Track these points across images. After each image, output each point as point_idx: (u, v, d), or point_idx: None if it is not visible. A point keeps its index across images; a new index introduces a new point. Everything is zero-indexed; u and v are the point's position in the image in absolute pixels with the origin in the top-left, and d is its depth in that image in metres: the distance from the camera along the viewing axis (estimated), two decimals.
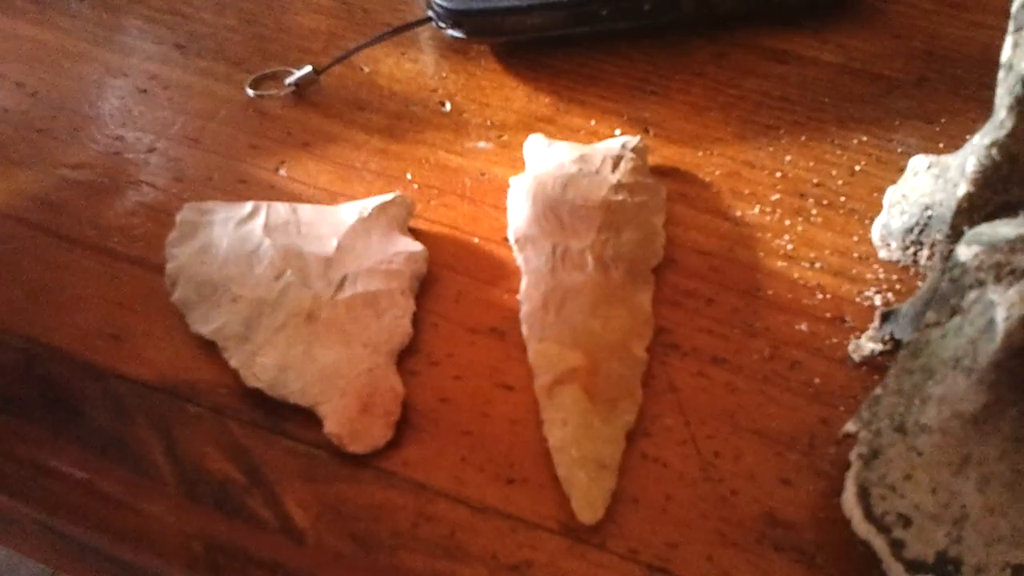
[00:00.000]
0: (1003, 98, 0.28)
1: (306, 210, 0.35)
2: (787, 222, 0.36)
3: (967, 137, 0.37)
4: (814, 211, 0.37)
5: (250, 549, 0.28)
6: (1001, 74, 0.28)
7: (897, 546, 0.25)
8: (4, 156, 0.38)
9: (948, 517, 0.25)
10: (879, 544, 0.25)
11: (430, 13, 0.42)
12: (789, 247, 0.36)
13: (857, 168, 0.38)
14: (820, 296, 0.34)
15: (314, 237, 0.34)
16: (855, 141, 0.39)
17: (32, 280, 0.34)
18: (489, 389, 0.32)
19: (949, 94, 0.41)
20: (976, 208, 0.30)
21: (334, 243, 0.34)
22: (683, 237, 0.36)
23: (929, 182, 0.32)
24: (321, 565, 0.28)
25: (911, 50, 0.43)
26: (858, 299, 0.34)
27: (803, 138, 0.39)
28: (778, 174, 0.38)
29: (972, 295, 0.27)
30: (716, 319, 0.34)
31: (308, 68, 0.41)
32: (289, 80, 0.41)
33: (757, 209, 0.37)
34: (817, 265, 0.35)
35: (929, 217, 0.32)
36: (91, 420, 0.30)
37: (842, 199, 0.37)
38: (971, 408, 0.26)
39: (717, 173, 0.38)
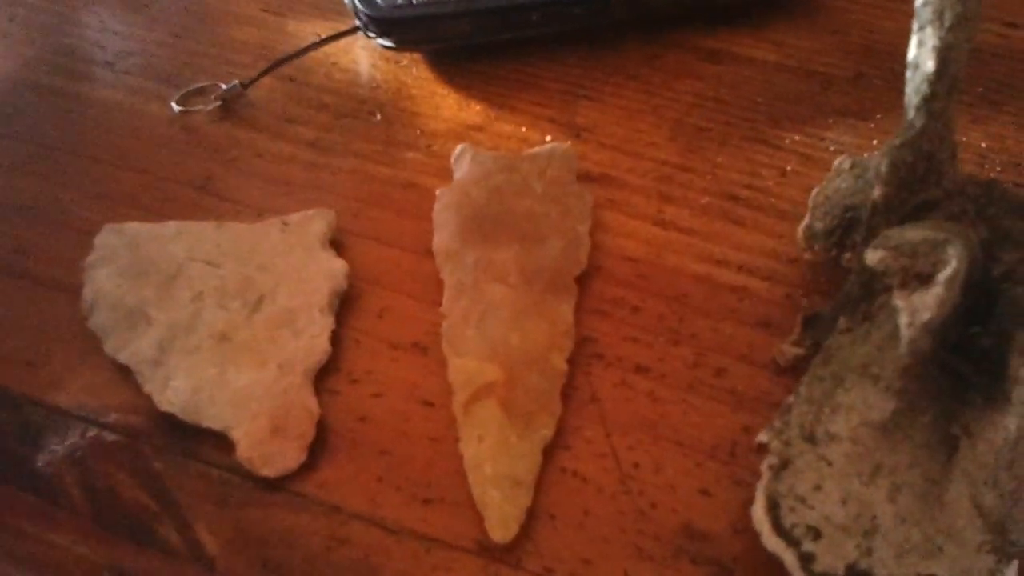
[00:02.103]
0: (911, 97, 0.28)
1: (227, 228, 0.35)
2: (716, 225, 0.36)
3: None
4: (744, 213, 0.36)
5: None
6: (908, 73, 0.28)
7: (807, 559, 0.25)
8: None
9: (858, 528, 0.25)
10: (788, 558, 0.25)
11: (358, 23, 0.41)
12: (717, 250, 0.35)
13: (788, 168, 0.38)
14: (747, 300, 0.34)
15: (234, 256, 0.34)
16: (787, 141, 0.39)
17: None
18: (409, 407, 0.31)
19: (885, 89, 0.41)
20: (892, 209, 0.29)
21: (254, 260, 0.33)
22: (611, 244, 0.36)
23: (851, 183, 0.32)
24: None
25: (848, 45, 0.42)
26: (785, 303, 0.33)
27: (735, 139, 0.39)
28: (709, 177, 0.38)
29: (880, 300, 0.26)
30: (641, 327, 0.33)
31: (235, 82, 0.40)
32: (215, 95, 0.40)
33: (687, 213, 0.36)
34: (745, 268, 0.35)
35: (850, 219, 0.31)
36: (3, 448, 0.30)
37: (772, 200, 0.37)
38: (880, 416, 0.25)
39: (647, 177, 0.38)
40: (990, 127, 0.39)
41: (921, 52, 0.27)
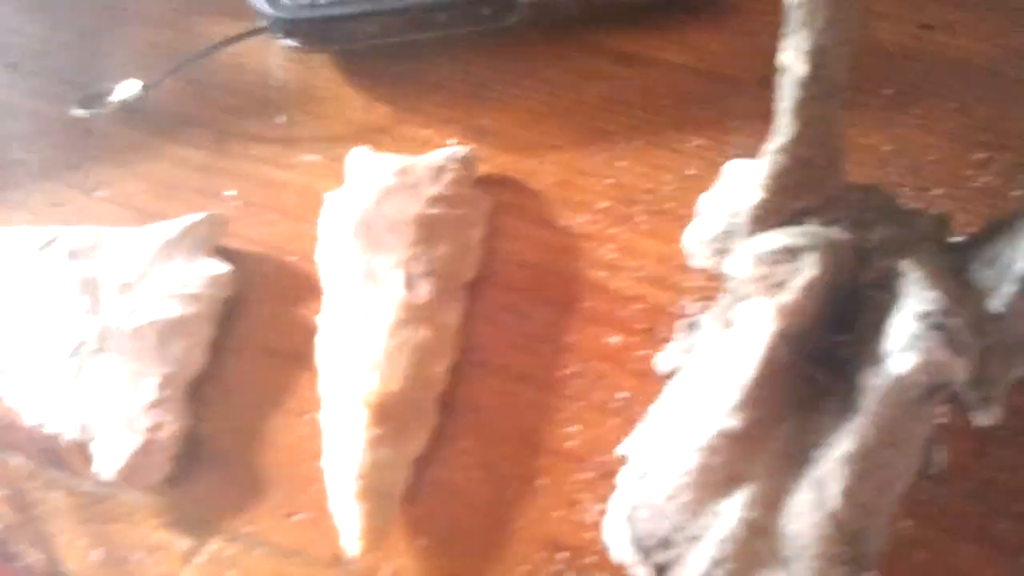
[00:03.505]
0: (782, 101, 0.27)
1: (110, 234, 0.34)
2: (613, 230, 0.36)
3: None
4: (641, 218, 0.36)
5: None
6: (781, 77, 0.27)
7: (659, 571, 0.24)
8: None
9: (712, 539, 0.24)
10: (639, 569, 0.24)
11: (264, 23, 0.40)
12: (612, 256, 0.35)
13: (689, 172, 0.37)
14: (636, 307, 0.33)
15: (114, 262, 0.33)
16: (690, 144, 0.38)
17: None
18: (282, 417, 0.31)
19: None
20: (771, 215, 0.29)
21: (134, 268, 0.33)
22: (507, 249, 0.35)
23: (736, 188, 0.31)
24: None
25: (758, 49, 0.42)
26: (673, 309, 0.33)
27: (639, 143, 0.38)
28: (610, 181, 0.37)
29: (740, 307, 0.26)
30: (529, 334, 0.33)
31: (135, 84, 0.40)
32: (116, 97, 0.40)
33: (585, 218, 0.36)
34: (638, 274, 0.34)
35: (733, 224, 0.31)
36: None
37: (670, 205, 0.36)
38: (738, 425, 0.25)
39: (549, 181, 0.37)
40: (896, 130, 0.38)
41: (792, 55, 0.26)
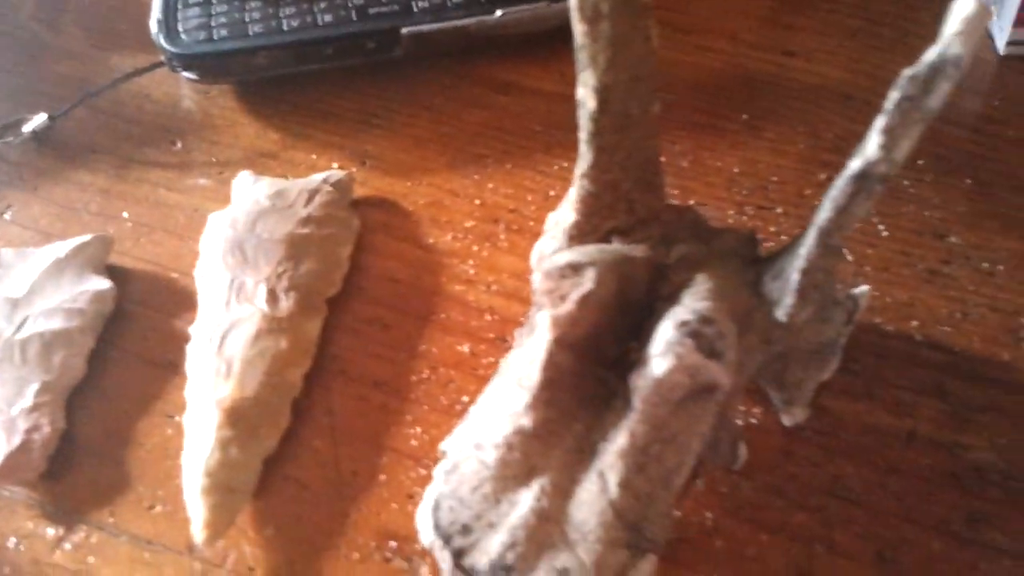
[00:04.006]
0: (581, 132, 0.30)
1: (7, 254, 0.37)
2: (475, 248, 0.38)
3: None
4: (503, 236, 0.39)
5: None
6: (579, 110, 0.30)
7: (458, 555, 0.27)
8: None
9: (507, 526, 0.27)
10: (442, 553, 0.27)
11: (163, 58, 0.44)
12: (471, 272, 0.38)
13: (552, 193, 0.40)
14: (489, 318, 0.36)
15: (10, 279, 0.36)
16: (555, 167, 0.41)
17: None
18: (151, 419, 0.34)
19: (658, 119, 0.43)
20: (585, 234, 0.31)
21: (26, 285, 0.36)
22: (375, 266, 0.38)
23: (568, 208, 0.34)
24: None
25: None
26: (523, 319, 0.36)
27: (509, 166, 0.41)
28: (477, 201, 0.40)
29: (536, 317, 0.28)
30: (388, 344, 0.35)
31: (43, 115, 0.43)
32: (27, 128, 0.43)
33: (450, 236, 0.39)
34: (493, 288, 0.37)
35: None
36: None
37: (531, 224, 0.39)
38: (530, 423, 0.27)
39: (421, 202, 0.40)
40: (747, 153, 0.41)
41: (584, 91, 0.29)
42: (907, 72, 0.24)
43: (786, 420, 0.32)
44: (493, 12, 0.44)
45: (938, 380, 0.33)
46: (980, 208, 0.38)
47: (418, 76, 0.45)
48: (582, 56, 0.29)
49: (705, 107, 0.44)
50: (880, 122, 0.25)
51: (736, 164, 0.41)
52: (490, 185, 0.41)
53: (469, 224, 0.39)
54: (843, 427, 0.32)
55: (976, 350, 0.34)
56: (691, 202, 0.40)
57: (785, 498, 0.31)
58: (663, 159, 0.41)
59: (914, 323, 0.35)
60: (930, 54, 0.24)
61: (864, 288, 0.34)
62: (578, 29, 0.28)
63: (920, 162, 0.40)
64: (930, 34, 0.45)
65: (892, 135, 0.25)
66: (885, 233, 0.38)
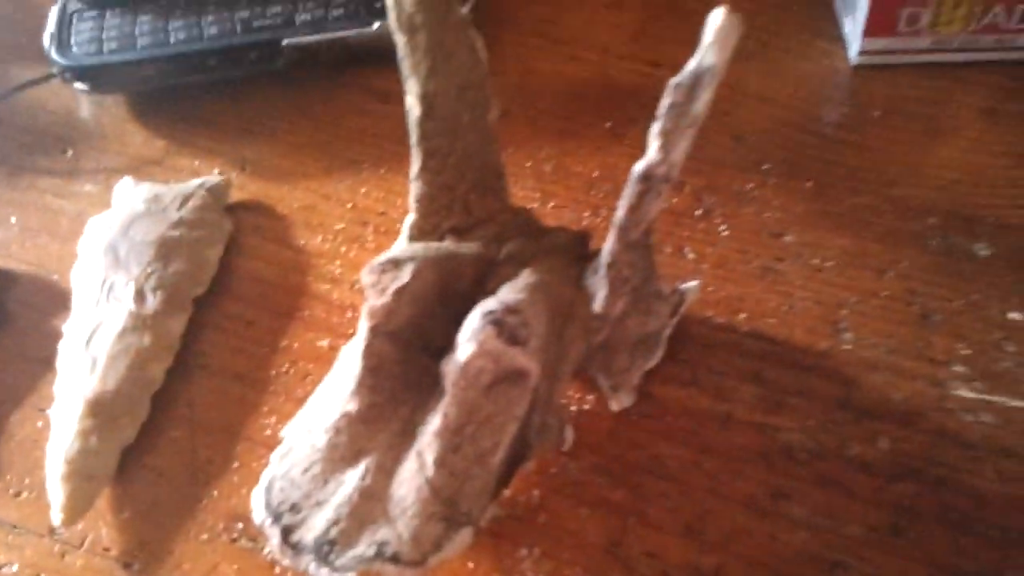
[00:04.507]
0: (411, 136, 0.32)
1: None
2: (343, 249, 0.41)
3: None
4: (371, 238, 0.41)
5: None
6: (407, 116, 0.32)
7: (286, 532, 0.29)
8: None
9: (333, 504, 0.29)
10: (271, 530, 0.29)
11: (53, 70, 0.45)
12: (338, 271, 0.40)
13: None
14: (350, 315, 0.38)
15: None
16: None
17: None
18: (24, 413, 0.36)
19: (525, 126, 0.45)
20: (426, 233, 0.34)
21: None
22: (245, 266, 0.40)
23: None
24: None
25: (503, 84, 0.47)
26: None
27: (383, 171, 0.44)
28: (349, 205, 0.42)
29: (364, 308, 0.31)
30: (251, 340, 0.38)
31: None
32: None
33: (320, 238, 0.41)
34: (357, 287, 0.39)
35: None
36: None
37: (398, 226, 0.41)
38: (355, 408, 0.30)
39: (295, 206, 0.42)
40: (607, 158, 0.44)
41: (411, 99, 0.32)
42: (673, 81, 0.27)
43: (613, 405, 0.35)
44: (371, 24, 0.46)
45: (757, 368, 0.36)
46: (817, 208, 0.41)
47: (299, 85, 0.47)
48: (405, 65, 0.31)
49: (572, 115, 0.46)
50: (655, 127, 0.28)
51: (596, 169, 0.43)
52: (363, 189, 0.43)
53: (339, 227, 0.42)
54: (666, 411, 0.35)
55: (797, 340, 0.36)
56: (551, 204, 0.42)
57: (607, 476, 0.33)
58: (528, 164, 0.44)
59: (742, 315, 0.37)
60: (690, 64, 0.26)
61: (694, 283, 0.36)
62: (398, 40, 0.31)
63: (765, 167, 0.43)
64: (793, 46, 0.48)
65: (667, 138, 0.28)
66: (726, 233, 0.40)
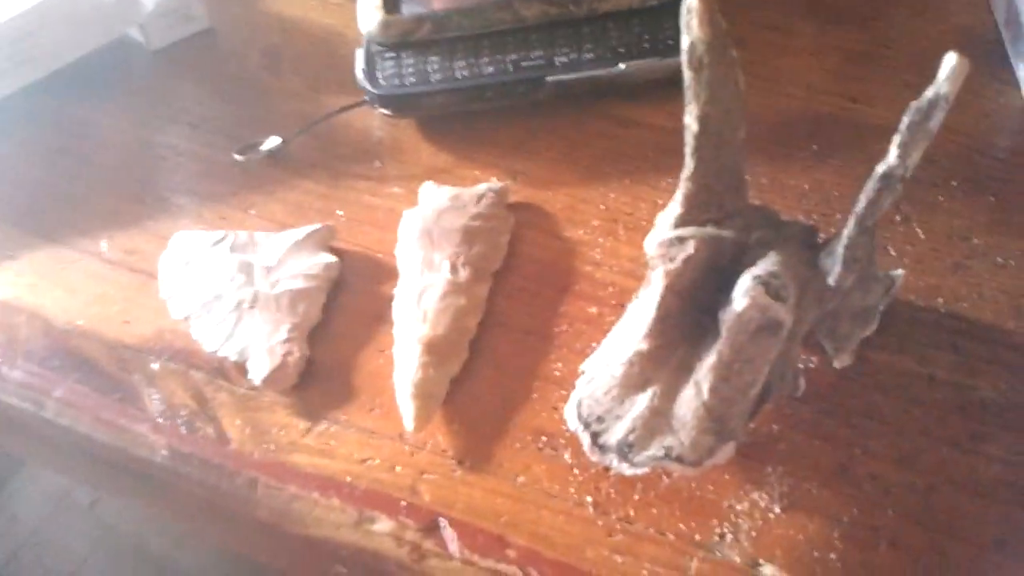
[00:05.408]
0: (686, 147, 0.42)
1: (260, 235, 0.51)
2: (600, 239, 0.51)
3: None
4: (622, 232, 0.51)
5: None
6: (685, 132, 0.42)
7: (595, 436, 0.39)
8: None
9: (629, 417, 0.39)
10: (583, 436, 0.39)
11: (365, 97, 0.58)
12: (598, 256, 0.50)
13: (660, 202, 0.52)
14: (611, 289, 0.48)
15: (262, 253, 0.50)
16: (663, 183, 0.53)
17: None
18: (368, 352, 0.47)
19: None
20: (687, 224, 0.43)
21: (275, 257, 0.49)
22: (525, 251, 0.51)
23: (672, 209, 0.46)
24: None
25: None
26: (636, 292, 0.48)
27: (627, 181, 0.54)
28: (601, 206, 0.52)
29: (651, 274, 0.40)
30: (537, 306, 0.48)
31: (278, 139, 0.57)
32: (264, 148, 0.57)
33: (581, 231, 0.51)
34: (615, 269, 0.49)
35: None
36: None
37: (643, 224, 0.51)
38: (647, 347, 0.39)
39: (558, 207, 0.53)
40: (815, 174, 0.53)
41: (690, 119, 0.42)
42: (914, 104, 0.36)
43: (836, 364, 0.44)
44: (618, 65, 0.56)
45: (954, 340, 0.44)
46: (998, 217, 0.49)
47: (558, 113, 0.58)
48: (689, 93, 0.41)
49: (783, 140, 0.55)
50: (896, 139, 0.37)
51: (806, 183, 0.52)
52: (612, 195, 0.53)
53: (595, 223, 0.52)
54: (879, 371, 0.43)
55: (987, 320, 0.44)
56: None
57: (833, 417, 0.42)
58: (748, 177, 0.53)
59: (939, 300, 0.45)
60: (929, 92, 0.35)
61: (900, 271, 0.45)
62: (687, 74, 0.41)
63: (953, 183, 0.51)
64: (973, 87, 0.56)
65: (905, 147, 0.37)
66: (922, 236, 0.49)
